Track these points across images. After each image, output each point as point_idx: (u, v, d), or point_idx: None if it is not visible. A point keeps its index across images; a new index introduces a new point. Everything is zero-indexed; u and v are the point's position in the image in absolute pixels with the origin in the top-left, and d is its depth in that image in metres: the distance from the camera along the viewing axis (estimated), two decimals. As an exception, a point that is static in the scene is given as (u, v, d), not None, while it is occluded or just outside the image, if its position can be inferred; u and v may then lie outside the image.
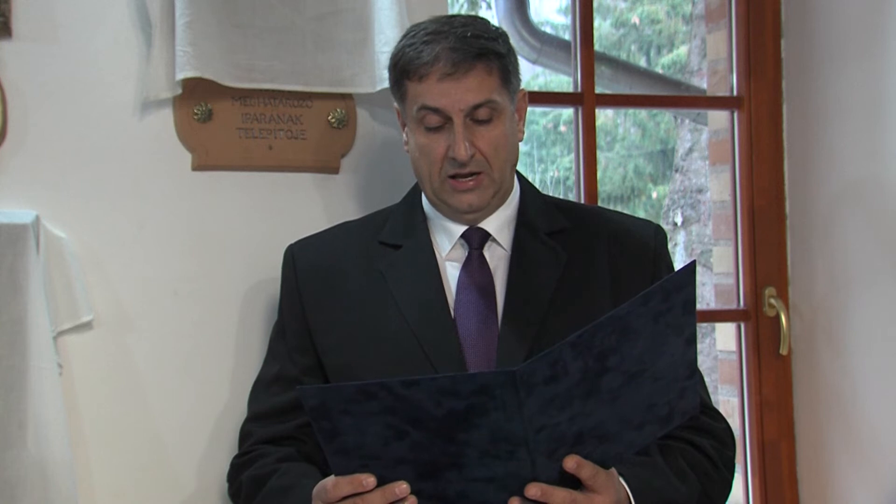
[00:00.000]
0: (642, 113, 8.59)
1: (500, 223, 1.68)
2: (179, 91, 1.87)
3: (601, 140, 8.37)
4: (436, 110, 1.59)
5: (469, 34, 1.58)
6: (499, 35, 1.63)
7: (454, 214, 1.67)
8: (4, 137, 1.80)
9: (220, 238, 1.94)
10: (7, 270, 1.72)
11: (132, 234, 1.88)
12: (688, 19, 8.21)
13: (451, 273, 1.67)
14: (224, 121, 1.94)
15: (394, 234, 1.71)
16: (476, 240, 1.67)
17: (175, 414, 1.89)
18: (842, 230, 2.40)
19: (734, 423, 2.51)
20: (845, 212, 2.39)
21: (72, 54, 1.84)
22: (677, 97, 5.37)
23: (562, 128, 8.67)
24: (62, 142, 1.84)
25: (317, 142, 2.00)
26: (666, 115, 8.42)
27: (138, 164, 1.89)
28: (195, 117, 1.92)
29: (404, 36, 1.64)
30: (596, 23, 2.52)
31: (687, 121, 6.66)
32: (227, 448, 1.85)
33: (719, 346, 2.88)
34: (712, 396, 1.79)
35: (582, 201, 2.38)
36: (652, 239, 1.72)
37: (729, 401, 2.71)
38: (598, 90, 2.44)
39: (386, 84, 1.92)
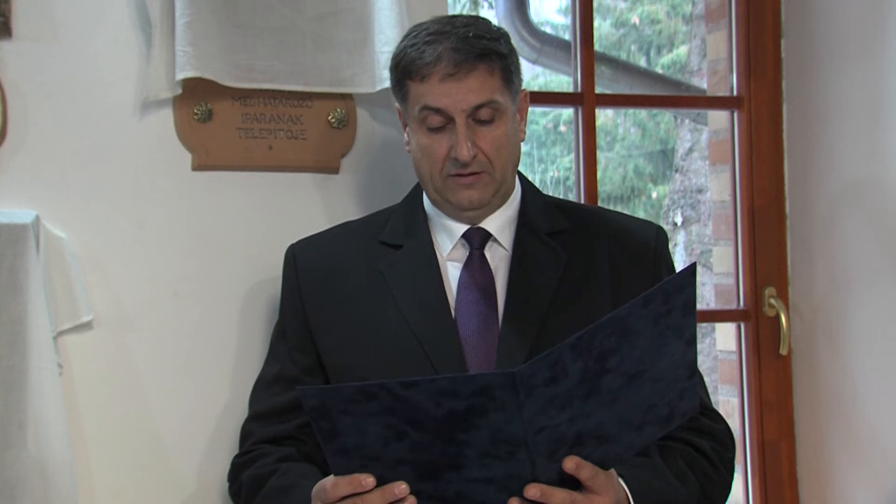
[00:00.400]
0: (642, 113, 8.59)
1: (501, 223, 1.68)
2: (179, 91, 1.87)
3: (601, 140, 8.37)
4: (438, 110, 1.59)
5: (471, 34, 1.58)
6: (501, 35, 1.63)
7: (455, 213, 1.67)
8: (4, 137, 1.80)
9: (220, 238, 1.94)
10: (7, 270, 1.72)
11: (132, 234, 1.88)
12: (688, 19, 8.21)
13: (452, 273, 1.67)
14: (224, 121, 1.94)
15: (395, 234, 1.71)
16: (477, 240, 1.67)
17: (175, 414, 1.89)
18: (842, 230, 2.40)
19: (734, 423, 2.51)
20: (845, 212, 2.39)
21: (72, 54, 1.84)
22: (677, 97, 5.37)
23: (562, 128, 8.67)
24: (62, 142, 1.84)
25: (317, 142, 2.00)
26: (666, 115, 8.42)
27: (138, 164, 1.89)
28: (195, 117, 1.92)
29: (406, 36, 1.64)
30: (596, 23, 2.52)
31: (687, 121, 6.66)
32: (227, 448, 1.85)
33: (719, 347, 2.88)
34: (712, 397, 1.79)
35: (582, 201, 2.38)
36: (653, 239, 1.72)
37: (729, 401, 2.71)
38: (598, 90, 2.44)
39: (386, 84, 1.93)
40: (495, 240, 1.68)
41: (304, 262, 1.73)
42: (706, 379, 1.75)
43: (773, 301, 2.50)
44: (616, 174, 8.66)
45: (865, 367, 2.36)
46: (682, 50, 8.19)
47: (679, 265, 1.57)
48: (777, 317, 2.50)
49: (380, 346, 1.63)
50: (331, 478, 1.34)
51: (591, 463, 1.34)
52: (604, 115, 8.40)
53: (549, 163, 8.78)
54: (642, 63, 8.51)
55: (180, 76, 1.83)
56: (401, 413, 1.25)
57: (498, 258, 1.68)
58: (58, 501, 1.72)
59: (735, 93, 2.57)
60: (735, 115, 2.57)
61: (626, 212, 1.85)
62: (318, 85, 1.97)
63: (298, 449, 1.65)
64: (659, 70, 8.20)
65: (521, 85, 1.67)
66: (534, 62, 5.18)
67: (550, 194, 1.82)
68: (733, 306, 2.57)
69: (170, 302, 1.90)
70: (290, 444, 1.66)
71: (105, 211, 1.86)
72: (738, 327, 2.56)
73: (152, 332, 1.88)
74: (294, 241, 1.77)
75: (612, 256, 1.68)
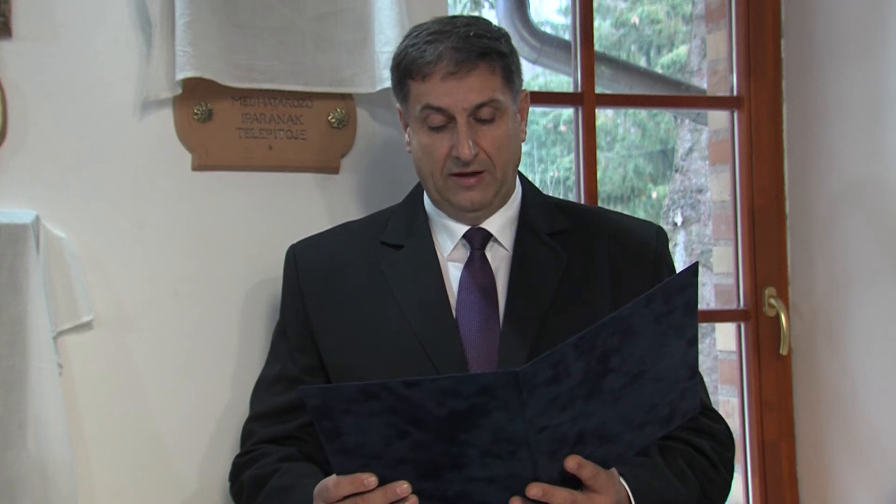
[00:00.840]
0: (642, 113, 8.59)
1: (501, 223, 1.69)
2: (179, 91, 1.87)
3: (601, 140, 8.37)
4: (439, 110, 1.59)
5: (472, 34, 1.59)
6: (501, 35, 1.63)
7: (456, 214, 1.67)
8: (4, 137, 1.80)
9: (220, 238, 1.94)
10: (7, 270, 1.72)
11: (132, 234, 1.88)
12: (688, 19, 8.21)
13: (453, 273, 1.67)
14: (224, 121, 1.94)
15: (395, 234, 1.71)
16: (478, 240, 1.68)
17: (175, 414, 1.89)
18: (842, 230, 2.40)
19: (734, 423, 2.51)
20: (845, 212, 2.39)
21: (72, 54, 1.84)
22: (677, 97, 5.37)
23: (562, 128, 8.67)
24: (62, 142, 1.84)
25: (317, 142, 2.00)
26: (666, 115, 8.42)
27: (138, 164, 1.89)
28: (195, 117, 1.92)
29: (407, 36, 1.65)
30: (596, 23, 2.52)
31: (687, 121, 6.66)
32: (227, 448, 1.85)
33: (719, 346, 2.88)
34: (712, 396, 1.80)
35: (582, 201, 2.38)
36: (653, 240, 1.72)
37: (729, 401, 2.71)
38: (598, 90, 2.44)
39: (386, 84, 1.93)
40: (496, 240, 1.68)
41: (304, 262, 1.73)
42: (706, 379, 1.75)
43: (773, 301, 2.50)
44: (616, 174, 8.66)
45: (865, 367, 2.36)
46: (682, 50, 8.19)
47: (679, 265, 1.57)
48: (777, 317, 2.50)
49: (381, 346, 1.63)
50: (333, 477, 1.34)
51: (593, 462, 1.34)
52: (604, 115, 8.41)
53: (549, 163, 8.78)
54: (642, 63, 8.51)
55: (180, 76, 1.83)
56: (403, 412, 1.25)
57: (499, 258, 1.68)
58: (58, 501, 1.72)
59: (735, 93, 2.57)
60: (735, 115, 2.57)
61: (626, 212, 1.85)
62: (318, 85, 1.97)
63: (300, 449, 1.65)
64: (659, 70, 8.20)
65: (521, 85, 1.67)
66: (534, 62, 5.18)
67: (550, 194, 1.82)
68: (733, 306, 2.57)
69: (170, 302, 1.90)
70: (291, 443, 1.66)
71: (105, 211, 1.86)
72: (738, 327, 2.56)
73: (152, 332, 1.88)
74: (294, 241, 1.77)
75: (612, 256, 1.68)
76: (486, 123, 1.60)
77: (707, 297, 5.53)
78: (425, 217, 1.71)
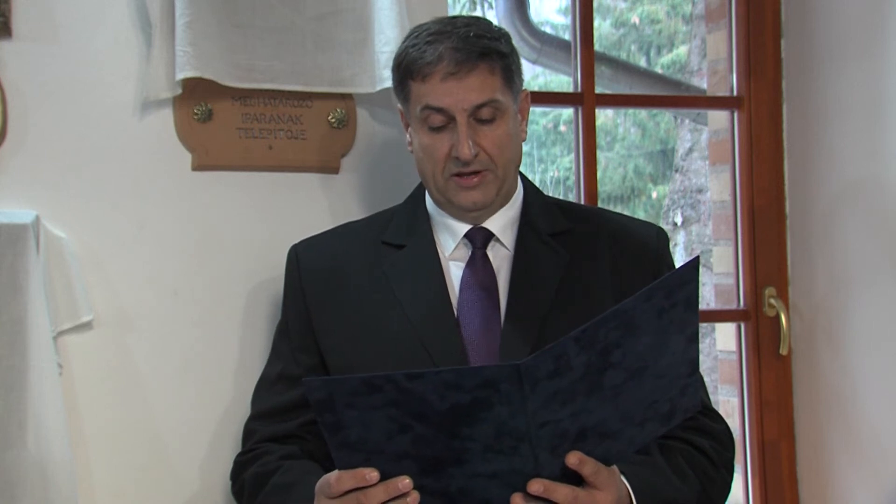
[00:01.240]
0: (642, 113, 8.60)
1: (503, 223, 1.69)
2: (179, 91, 1.87)
3: (601, 140, 8.37)
4: (439, 110, 1.59)
5: (472, 34, 1.59)
6: (501, 35, 1.64)
7: (458, 213, 1.67)
8: (4, 137, 1.80)
9: (219, 238, 1.94)
10: (7, 270, 1.72)
11: (132, 234, 1.88)
12: (688, 19, 8.22)
13: (455, 273, 1.67)
14: (224, 121, 1.94)
15: (397, 233, 1.72)
16: (479, 240, 1.68)
17: (175, 414, 1.89)
18: (842, 230, 2.40)
19: (734, 423, 2.51)
20: (845, 212, 2.39)
21: (72, 54, 1.84)
22: (677, 97, 5.37)
23: (562, 128, 8.67)
24: (62, 142, 1.84)
25: (317, 142, 2.00)
26: (666, 115, 8.42)
27: (138, 164, 1.89)
28: (195, 117, 1.92)
29: (407, 37, 1.65)
30: (596, 23, 2.52)
31: (687, 121, 6.67)
32: (227, 447, 1.85)
33: (719, 346, 2.88)
34: (712, 396, 1.80)
35: (582, 201, 2.38)
36: (654, 240, 1.72)
37: (729, 401, 2.71)
38: (598, 90, 2.44)
39: (386, 84, 1.93)
40: (497, 240, 1.68)
41: (306, 262, 1.73)
42: (706, 379, 1.75)
43: (773, 301, 2.50)
44: (616, 174, 8.67)
45: (865, 367, 2.36)
46: (682, 50, 8.20)
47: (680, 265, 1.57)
48: (777, 317, 2.50)
49: (383, 346, 1.63)
50: (335, 472, 1.34)
51: (594, 459, 1.34)
52: (604, 115, 8.41)
53: (549, 163, 8.78)
54: (642, 63, 8.51)
55: (180, 76, 1.83)
56: (405, 406, 1.25)
57: (500, 258, 1.68)
58: (58, 501, 1.72)
59: (735, 93, 2.57)
60: (735, 115, 2.57)
61: (626, 212, 1.85)
62: (318, 85, 1.97)
63: (301, 447, 1.65)
64: (659, 70, 8.20)
65: (522, 85, 1.67)
66: (534, 62, 5.18)
67: (550, 194, 1.82)
68: (733, 306, 2.57)
69: (170, 302, 1.90)
70: (292, 442, 1.66)
71: (105, 211, 1.86)
72: (738, 327, 2.56)
73: (152, 331, 1.88)
74: (294, 241, 1.77)
75: (613, 257, 1.69)
76: (487, 123, 1.60)
77: (707, 297, 5.53)
78: (427, 217, 1.72)
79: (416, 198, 1.75)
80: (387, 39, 1.94)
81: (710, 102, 2.92)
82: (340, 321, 1.67)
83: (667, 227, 6.72)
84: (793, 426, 2.52)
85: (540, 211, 1.72)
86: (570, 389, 1.27)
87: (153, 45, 1.84)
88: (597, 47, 2.59)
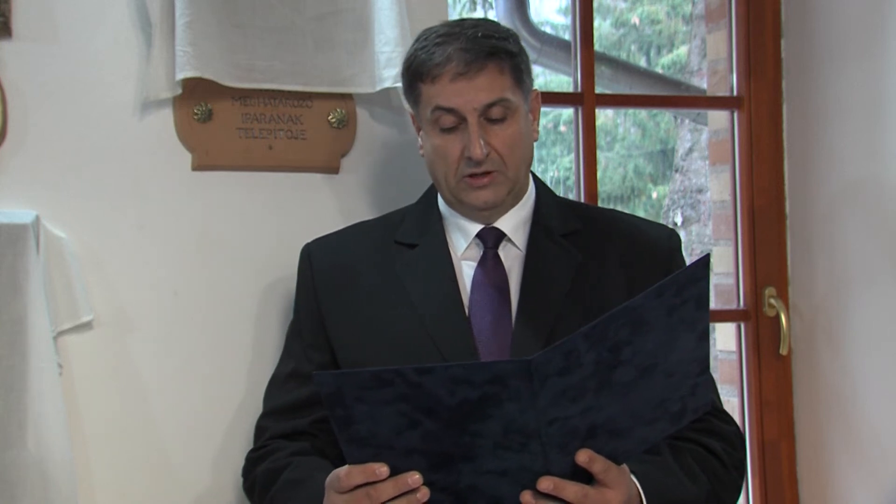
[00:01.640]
0: (642, 113, 8.60)
1: (515, 223, 1.69)
2: (179, 91, 1.87)
3: (601, 140, 8.38)
4: (450, 110, 1.60)
5: (480, 34, 1.59)
6: (509, 35, 1.64)
7: (470, 213, 1.67)
8: (4, 137, 1.80)
9: (220, 238, 1.94)
10: (7, 270, 1.72)
11: (132, 234, 1.88)
12: (688, 19, 8.22)
13: (467, 272, 1.67)
14: (224, 121, 1.94)
15: (409, 233, 1.72)
16: (491, 239, 1.68)
17: (174, 414, 1.89)
18: (842, 230, 2.40)
19: (734, 423, 2.51)
20: (845, 212, 2.39)
21: (72, 54, 1.84)
22: (677, 97, 5.37)
23: (562, 128, 8.67)
24: (62, 142, 1.84)
25: (317, 142, 2.00)
26: (666, 115, 8.42)
27: (138, 164, 1.89)
28: (195, 117, 1.92)
29: (416, 40, 1.65)
30: (596, 23, 2.52)
31: (687, 121, 6.67)
32: (227, 447, 1.86)
33: (719, 346, 2.88)
34: (713, 396, 1.79)
35: (582, 201, 2.38)
36: (666, 241, 1.72)
37: (729, 401, 2.71)
38: (598, 90, 2.44)
39: (386, 84, 1.94)
40: (509, 239, 1.68)
41: (319, 260, 1.73)
42: (707, 379, 1.75)
43: (773, 301, 2.50)
44: (616, 174, 8.67)
45: (865, 367, 2.36)
46: (682, 50, 8.20)
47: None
48: (777, 317, 2.50)
49: (394, 344, 1.63)
50: (345, 467, 1.34)
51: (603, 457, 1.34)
52: (604, 115, 8.41)
53: (549, 163, 8.78)
54: (642, 63, 8.52)
55: (180, 76, 1.83)
56: (414, 401, 1.25)
57: (512, 258, 1.68)
58: (58, 501, 1.72)
59: (735, 93, 2.57)
60: (735, 115, 2.57)
61: (625, 212, 1.85)
62: (318, 85, 1.97)
63: (312, 444, 1.65)
64: (659, 70, 8.20)
65: (532, 85, 1.67)
66: (534, 62, 5.15)
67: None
68: (733, 306, 2.57)
69: (170, 302, 1.90)
70: (304, 439, 1.66)
71: (105, 211, 1.86)
72: (738, 327, 2.56)
73: (152, 332, 1.88)
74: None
75: (625, 258, 1.69)
76: (498, 123, 1.61)
77: (707, 297, 5.52)
78: (439, 216, 1.72)
79: (429, 198, 1.75)
80: (387, 39, 1.94)
81: (710, 102, 2.92)
82: (352, 319, 1.67)
83: (667, 227, 6.71)
84: (793, 426, 2.52)
85: (552, 211, 1.72)
86: (580, 386, 1.27)
87: (153, 45, 1.85)
88: (597, 47, 2.59)
